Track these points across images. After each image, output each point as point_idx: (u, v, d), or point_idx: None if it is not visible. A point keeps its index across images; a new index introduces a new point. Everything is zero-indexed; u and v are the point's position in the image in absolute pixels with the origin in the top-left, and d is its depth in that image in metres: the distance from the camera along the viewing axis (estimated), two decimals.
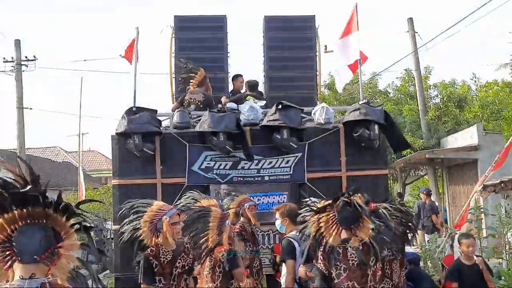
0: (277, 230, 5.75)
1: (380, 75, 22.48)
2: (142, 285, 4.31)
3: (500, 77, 23.60)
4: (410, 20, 19.40)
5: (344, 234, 3.89)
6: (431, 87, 22.39)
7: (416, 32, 19.14)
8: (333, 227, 3.87)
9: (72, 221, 2.53)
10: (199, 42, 8.48)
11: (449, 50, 60.37)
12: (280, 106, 6.64)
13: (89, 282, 2.66)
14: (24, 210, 2.33)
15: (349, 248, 3.81)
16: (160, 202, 4.81)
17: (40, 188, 2.37)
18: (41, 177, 2.49)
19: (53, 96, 73.88)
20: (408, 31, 19.22)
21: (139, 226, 4.52)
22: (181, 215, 4.68)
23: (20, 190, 2.32)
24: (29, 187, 2.33)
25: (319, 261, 3.92)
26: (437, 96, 22.22)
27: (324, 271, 3.87)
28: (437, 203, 14.93)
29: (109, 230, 15.41)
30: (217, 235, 4.65)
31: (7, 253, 2.28)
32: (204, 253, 4.62)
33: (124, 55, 7.71)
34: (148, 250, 4.36)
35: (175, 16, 8.55)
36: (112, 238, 13.84)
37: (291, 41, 8.55)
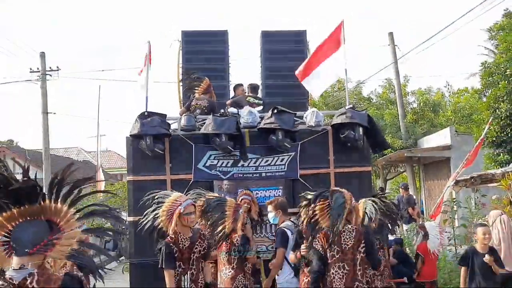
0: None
1: (364, 83, 22.54)
2: (164, 270, 4.24)
3: (471, 85, 23.75)
4: (391, 34, 19.41)
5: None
6: (409, 94, 22.48)
7: (396, 45, 19.17)
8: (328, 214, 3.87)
9: (80, 207, 2.55)
10: (204, 54, 8.48)
11: (427, 61, 60.42)
12: (275, 111, 6.63)
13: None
14: (22, 208, 2.36)
15: (343, 232, 3.79)
16: (178, 193, 4.73)
17: (30, 181, 2.39)
18: (65, 174, 2.47)
19: (74, 101, 73.86)
20: (389, 44, 19.24)
21: (158, 215, 4.49)
22: (197, 206, 4.65)
23: (10, 188, 2.32)
24: (19, 183, 2.35)
25: (317, 242, 3.89)
26: (415, 102, 22.31)
27: (321, 251, 3.84)
28: (414, 197, 14.95)
29: (124, 221, 15.36)
30: (232, 222, 4.66)
31: (6, 247, 2.33)
32: (221, 239, 4.63)
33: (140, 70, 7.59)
34: (168, 237, 4.31)
35: (182, 31, 8.54)
36: (127, 228, 13.87)
37: (285, 53, 8.56)
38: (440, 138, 16.05)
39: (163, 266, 4.24)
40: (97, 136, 21.14)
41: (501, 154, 12.33)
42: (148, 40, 7.29)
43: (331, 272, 3.74)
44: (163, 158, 6.67)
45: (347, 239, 3.77)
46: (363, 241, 3.76)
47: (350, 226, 3.81)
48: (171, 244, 4.24)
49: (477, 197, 10.60)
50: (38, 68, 19.30)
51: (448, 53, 60.93)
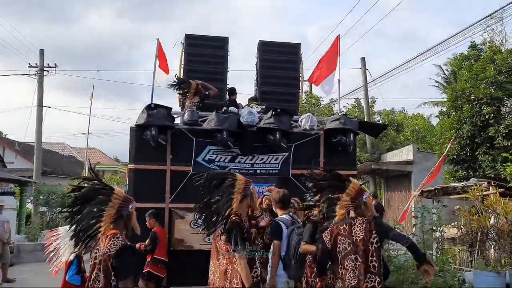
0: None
1: (336, 100, 22.55)
2: (240, 252, 3.41)
3: (422, 112, 24.38)
4: (363, 59, 19.54)
5: (352, 214, 3.62)
6: (375, 113, 22.63)
7: (367, 69, 19.30)
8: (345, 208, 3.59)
9: None
10: (204, 57, 8.12)
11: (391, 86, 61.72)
12: (274, 112, 6.38)
13: None
14: None
15: (354, 225, 3.51)
16: (241, 176, 3.76)
17: None
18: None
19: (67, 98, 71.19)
20: (360, 68, 19.36)
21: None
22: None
23: None
24: None
25: (326, 235, 3.61)
26: (380, 121, 22.48)
27: (327, 244, 3.56)
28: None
29: None
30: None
31: None
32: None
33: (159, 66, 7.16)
34: (235, 217, 3.51)
35: (186, 34, 8.20)
36: None
37: (280, 63, 8.30)
38: (403, 154, 16.15)
39: (239, 247, 3.38)
40: (87, 132, 20.37)
41: (460, 170, 12.43)
42: (157, 38, 6.94)
43: (344, 265, 3.44)
44: (165, 149, 6.32)
45: (357, 231, 3.49)
46: (374, 232, 3.46)
47: (360, 219, 3.53)
48: (241, 223, 3.49)
49: (438, 207, 10.66)
50: (36, 64, 18.51)
51: (406, 83, 62.62)
